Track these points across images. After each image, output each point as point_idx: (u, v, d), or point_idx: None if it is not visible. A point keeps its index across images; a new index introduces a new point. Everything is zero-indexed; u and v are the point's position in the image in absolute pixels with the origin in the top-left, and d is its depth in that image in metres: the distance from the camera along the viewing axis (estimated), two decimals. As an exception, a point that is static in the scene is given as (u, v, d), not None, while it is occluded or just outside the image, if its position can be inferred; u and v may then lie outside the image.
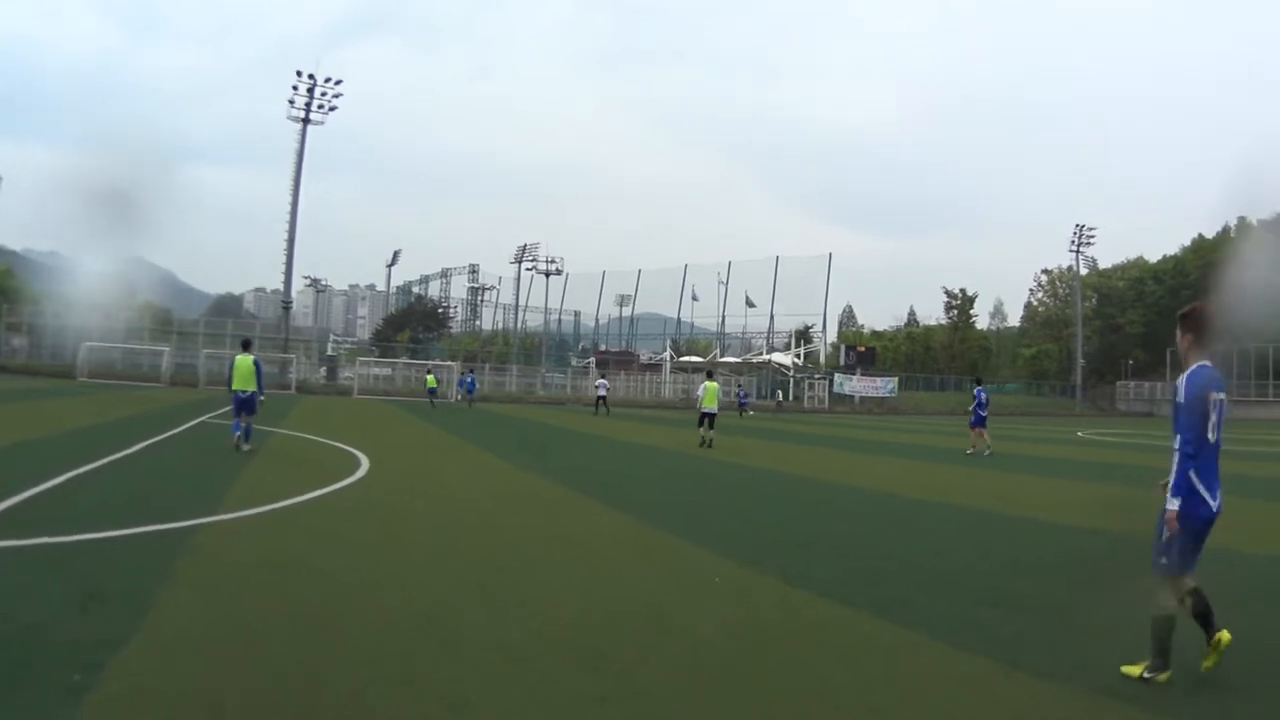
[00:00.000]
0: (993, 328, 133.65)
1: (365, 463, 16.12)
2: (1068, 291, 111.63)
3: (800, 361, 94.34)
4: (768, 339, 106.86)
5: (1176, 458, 4.96)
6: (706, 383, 25.08)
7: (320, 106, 69.75)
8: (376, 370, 72.24)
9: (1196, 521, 4.95)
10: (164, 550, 7.81)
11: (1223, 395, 5.05)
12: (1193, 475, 4.91)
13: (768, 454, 23.17)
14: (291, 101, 69.29)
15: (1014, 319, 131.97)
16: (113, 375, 57.45)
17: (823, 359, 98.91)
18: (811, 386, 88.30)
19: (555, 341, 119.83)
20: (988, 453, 24.12)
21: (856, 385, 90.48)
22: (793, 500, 14.10)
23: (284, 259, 69.31)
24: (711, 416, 24.03)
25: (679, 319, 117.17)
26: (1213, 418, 4.97)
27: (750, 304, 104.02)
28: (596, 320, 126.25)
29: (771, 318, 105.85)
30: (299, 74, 69.11)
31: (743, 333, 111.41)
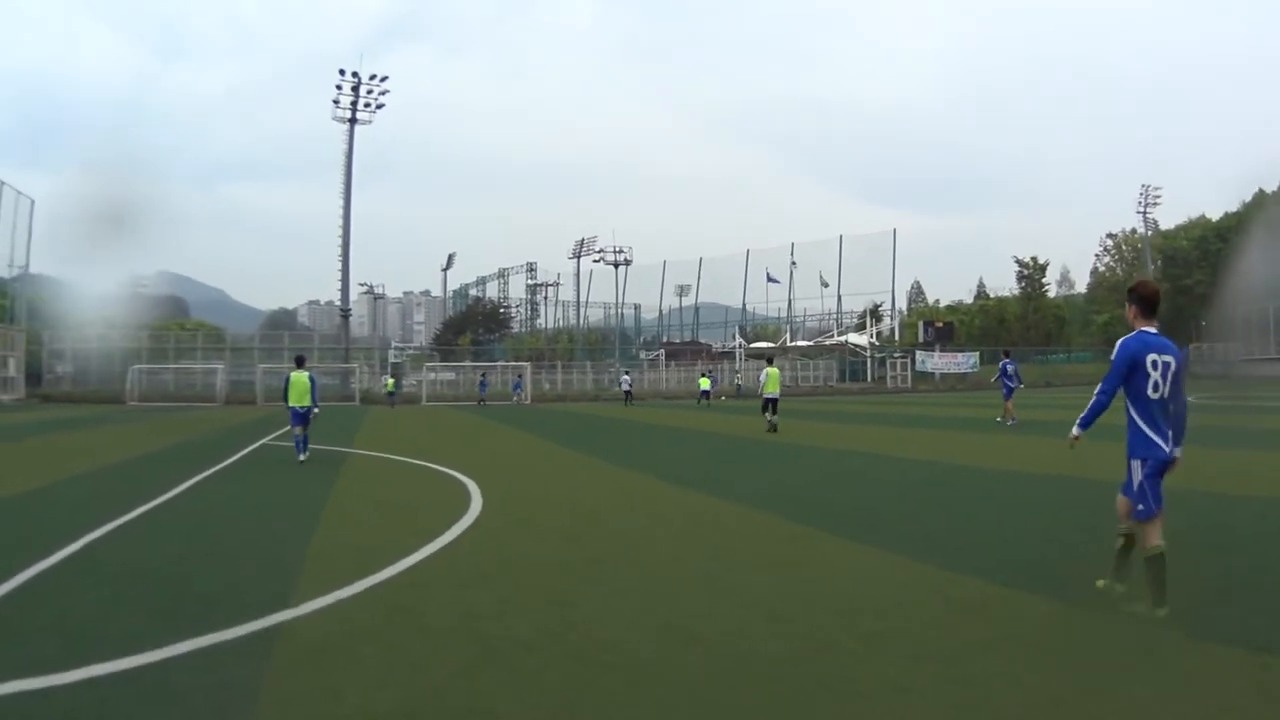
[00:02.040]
0: (1060, 295, 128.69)
1: (470, 488, 12.53)
2: (1133, 255, 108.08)
3: (875, 341, 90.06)
4: (837, 320, 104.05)
5: (1094, 399, 5.85)
6: (768, 369, 25.66)
7: (366, 105, 66.66)
8: (442, 375, 68.80)
9: (1157, 464, 5.69)
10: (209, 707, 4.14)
11: (1168, 358, 5.71)
12: (1141, 424, 5.73)
13: (923, 444, 19.13)
14: (336, 102, 66.30)
15: (1080, 285, 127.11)
16: (165, 397, 55.34)
17: (896, 336, 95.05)
18: (893, 366, 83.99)
19: (618, 335, 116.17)
20: (1010, 422, 24.58)
21: (938, 362, 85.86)
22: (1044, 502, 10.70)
23: (339, 266, 66.39)
24: (774, 401, 24.56)
25: (744, 306, 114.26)
26: (1154, 377, 5.67)
27: (825, 283, 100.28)
28: (661, 312, 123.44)
29: (839, 298, 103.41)
30: (342, 73, 66.09)
31: (804, 315, 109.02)
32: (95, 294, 67.68)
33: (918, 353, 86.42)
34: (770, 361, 26.91)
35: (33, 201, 57.19)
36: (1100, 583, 6.08)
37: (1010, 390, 26.00)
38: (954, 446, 18.57)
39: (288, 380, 17.45)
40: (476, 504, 11.04)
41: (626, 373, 59.37)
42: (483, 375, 58.81)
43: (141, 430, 28.49)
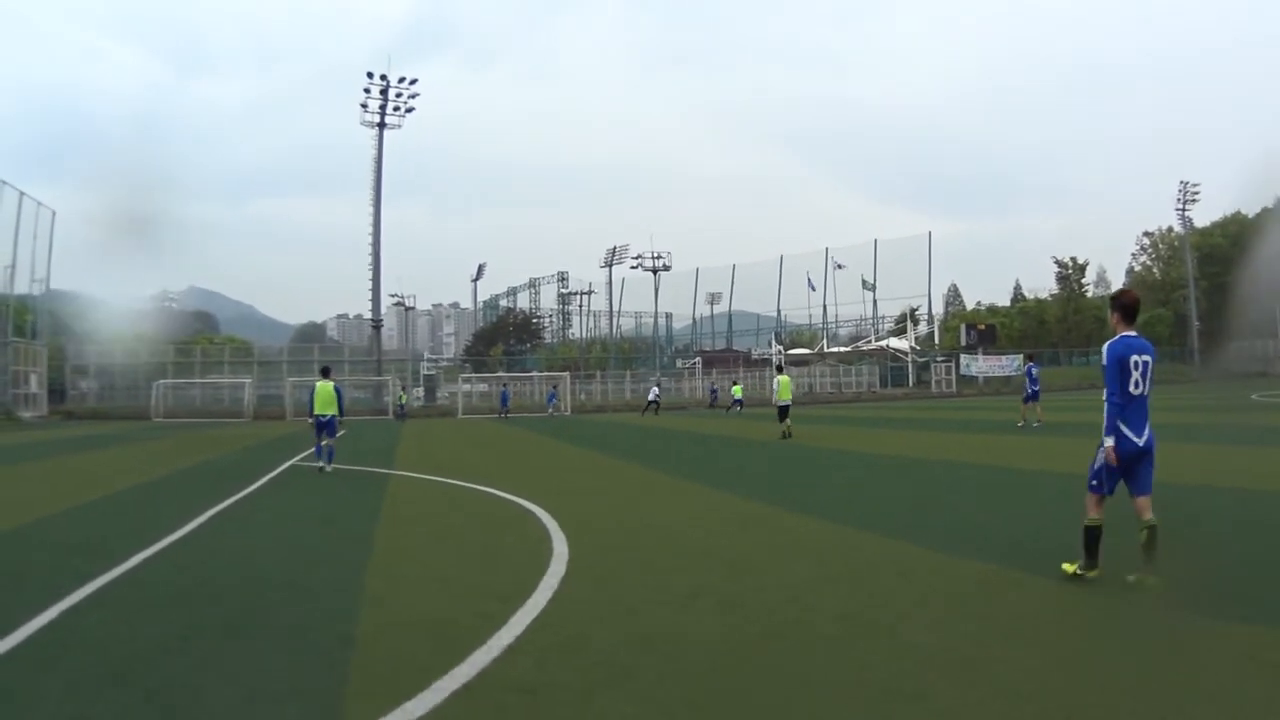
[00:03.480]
0: (1098, 296, 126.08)
1: (543, 519, 10.23)
2: (1169, 253, 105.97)
3: (916, 345, 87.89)
4: (874, 324, 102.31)
5: (1107, 406, 6.44)
6: (780, 377, 26.55)
7: (396, 109, 64.73)
8: (478, 387, 66.52)
9: (1123, 453, 6.35)
10: None
11: (1146, 357, 6.45)
12: (1119, 419, 6.35)
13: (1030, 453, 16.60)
14: (364, 105, 64.41)
15: (1116, 285, 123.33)
16: (191, 413, 53.86)
17: (936, 340, 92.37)
18: (937, 370, 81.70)
19: (652, 344, 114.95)
20: (1036, 424, 25.00)
21: (982, 365, 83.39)
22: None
23: (369, 278, 64.43)
24: (786, 408, 25.26)
25: (779, 312, 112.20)
26: (1134, 375, 6.37)
27: (867, 287, 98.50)
28: (695, 319, 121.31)
29: (874, 302, 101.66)
30: (370, 76, 64.18)
31: (837, 321, 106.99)
32: (121, 309, 66.50)
33: (962, 356, 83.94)
34: (780, 370, 28.13)
35: (54, 213, 55.54)
36: (1130, 578, 6.36)
37: (1035, 394, 26.30)
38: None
39: (313, 390, 18.08)
40: (559, 542, 8.79)
41: (658, 384, 58.24)
42: (503, 386, 56.36)
43: (161, 449, 26.41)
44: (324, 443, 17.55)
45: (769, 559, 7.87)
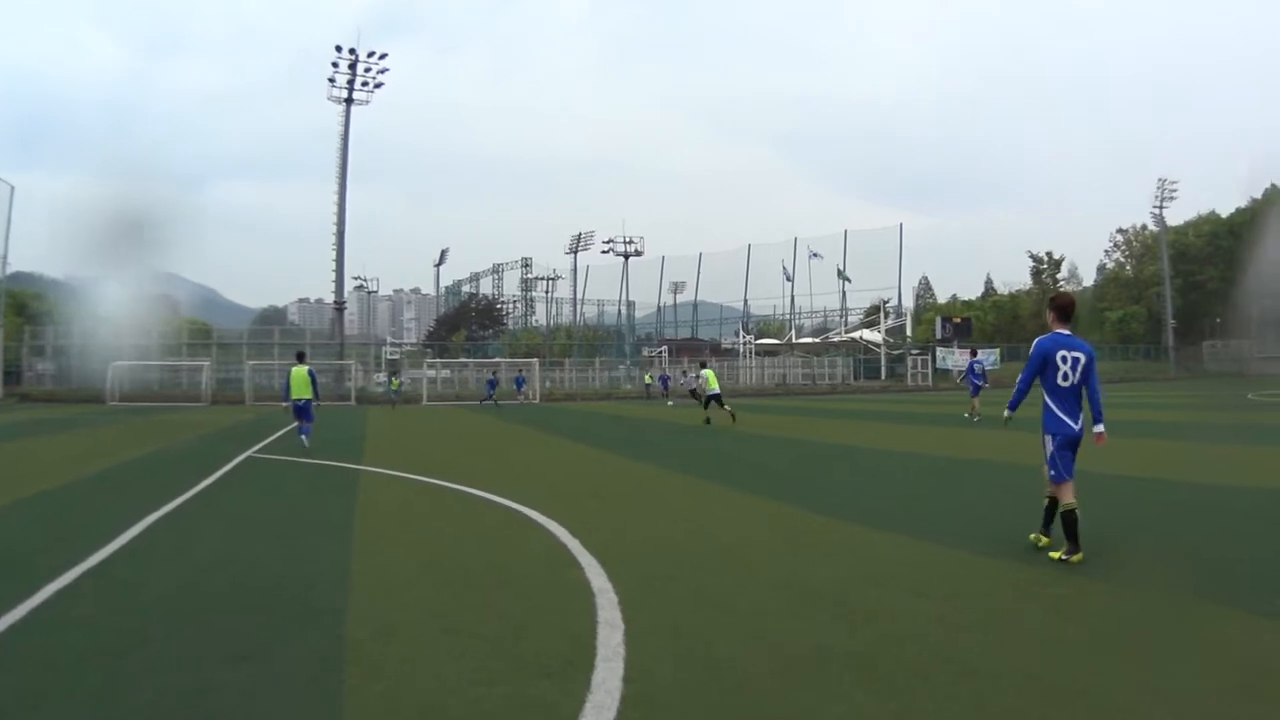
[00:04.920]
0: (1068, 290, 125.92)
1: (557, 533, 8.43)
2: (1143, 250, 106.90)
3: (889, 338, 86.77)
4: (842, 316, 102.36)
5: (1017, 386, 7.44)
6: (705, 370, 28.03)
7: (364, 84, 62.22)
8: (441, 374, 64.10)
9: (1064, 439, 6.97)
10: None
11: (1078, 354, 6.99)
12: (1053, 406, 7.00)
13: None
14: (332, 80, 61.86)
15: (1087, 281, 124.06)
16: (148, 396, 51.45)
17: (909, 332, 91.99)
18: (913, 363, 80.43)
19: (614, 332, 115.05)
20: (976, 419, 25.04)
21: (959, 359, 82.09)
22: None
23: (333, 258, 61.86)
24: (718, 396, 26.66)
25: (745, 301, 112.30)
26: (1063, 369, 6.95)
27: (843, 277, 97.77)
28: (659, 308, 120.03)
29: (843, 294, 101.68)
30: (339, 49, 61.54)
31: (805, 312, 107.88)
32: (80, 290, 64.17)
33: (938, 349, 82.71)
34: (704, 365, 29.54)
35: (12, 188, 52.39)
36: (1031, 537, 7.45)
37: (978, 388, 27.06)
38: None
39: (289, 375, 18.44)
40: (589, 566, 7.03)
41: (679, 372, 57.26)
42: (493, 373, 52.72)
43: (110, 436, 24.20)
44: (299, 422, 18.30)
45: (859, 588, 6.21)
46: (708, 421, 26.24)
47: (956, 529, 8.53)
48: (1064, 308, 7.26)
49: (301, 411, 18.13)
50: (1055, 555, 6.90)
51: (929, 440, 19.38)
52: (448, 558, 7.76)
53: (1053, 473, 7.06)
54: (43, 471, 14.80)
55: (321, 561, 7.53)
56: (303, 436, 17.91)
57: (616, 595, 6.10)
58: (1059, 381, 6.99)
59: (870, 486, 12.57)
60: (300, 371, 18.31)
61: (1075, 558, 6.73)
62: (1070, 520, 6.82)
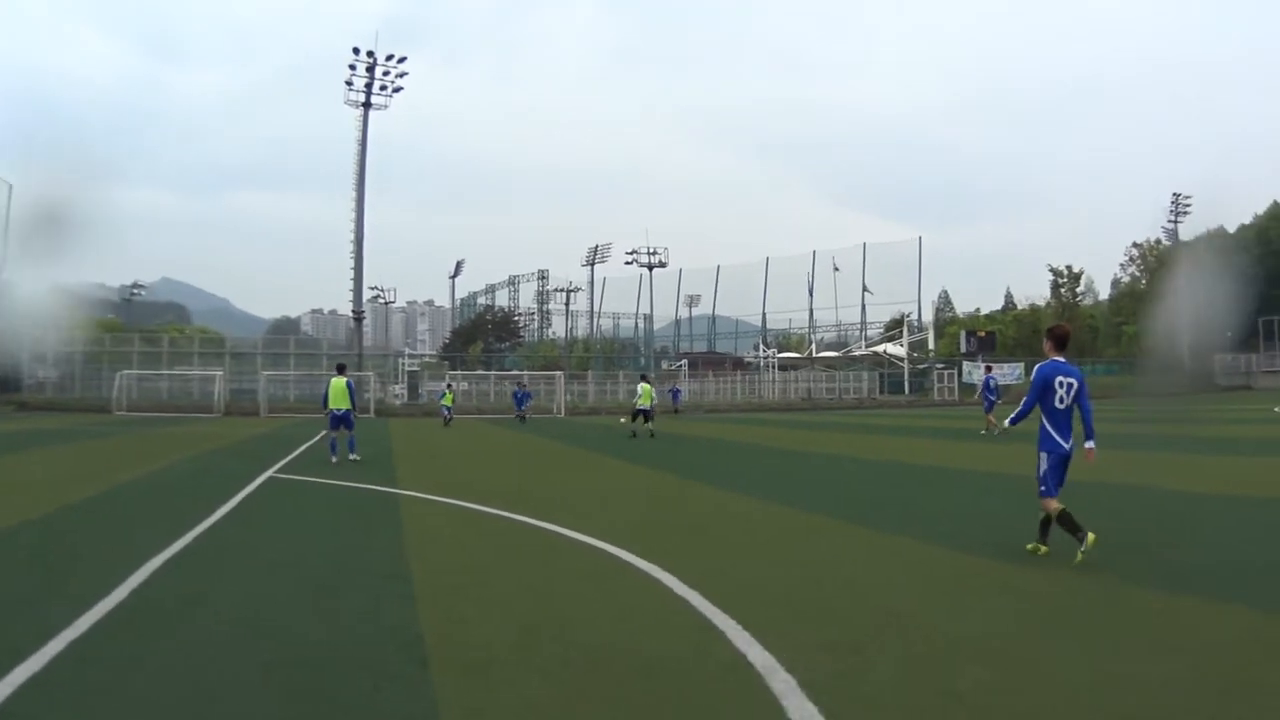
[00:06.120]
0: (1092, 305, 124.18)
1: (691, 598, 6.31)
2: (1157, 264, 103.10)
3: (914, 352, 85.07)
4: (862, 329, 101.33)
5: (1020, 406, 8.03)
6: (643, 385, 28.98)
7: (383, 88, 60.39)
8: (460, 386, 61.87)
9: (1055, 457, 7.62)
10: None
11: (1072, 380, 7.66)
12: (1048, 427, 7.65)
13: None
14: (349, 83, 60.04)
15: (1103, 295, 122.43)
16: (157, 407, 49.63)
17: (931, 346, 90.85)
18: (939, 377, 78.56)
19: (632, 345, 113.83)
20: (996, 433, 24.87)
21: (994, 372, 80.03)
22: None
23: (351, 267, 59.97)
24: (647, 412, 27.96)
25: (763, 315, 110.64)
26: (1059, 393, 7.62)
27: (869, 291, 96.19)
28: (676, 321, 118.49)
29: (863, 308, 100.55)
30: (356, 52, 59.66)
31: (822, 325, 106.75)
32: (86, 297, 62.43)
33: (964, 364, 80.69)
34: (644, 379, 30.69)
35: (10, 186, 50.35)
36: (1029, 546, 7.89)
37: (991, 404, 27.09)
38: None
39: (327, 385, 18.90)
40: (734, 633, 5.36)
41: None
42: (518, 386, 48.28)
43: (110, 451, 22.22)
44: (342, 433, 18.41)
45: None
46: (635, 436, 27.17)
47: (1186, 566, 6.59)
48: (1060, 338, 7.87)
49: (339, 421, 18.39)
50: (1080, 555, 7.26)
51: (1010, 458, 17.23)
52: (545, 621, 5.87)
53: (1042, 489, 7.67)
54: (24, 495, 12.81)
55: (380, 629, 5.64)
56: (351, 454, 18.24)
57: (794, 677, 4.50)
58: (1056, 404, 7.67)
59: (1002, 512, 10.38)
60: (339, 382, 18.64)
61: (1089, 540, 7.20)
62: (1064, 518, 7.41)
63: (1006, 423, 8.51)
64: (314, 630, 5.63)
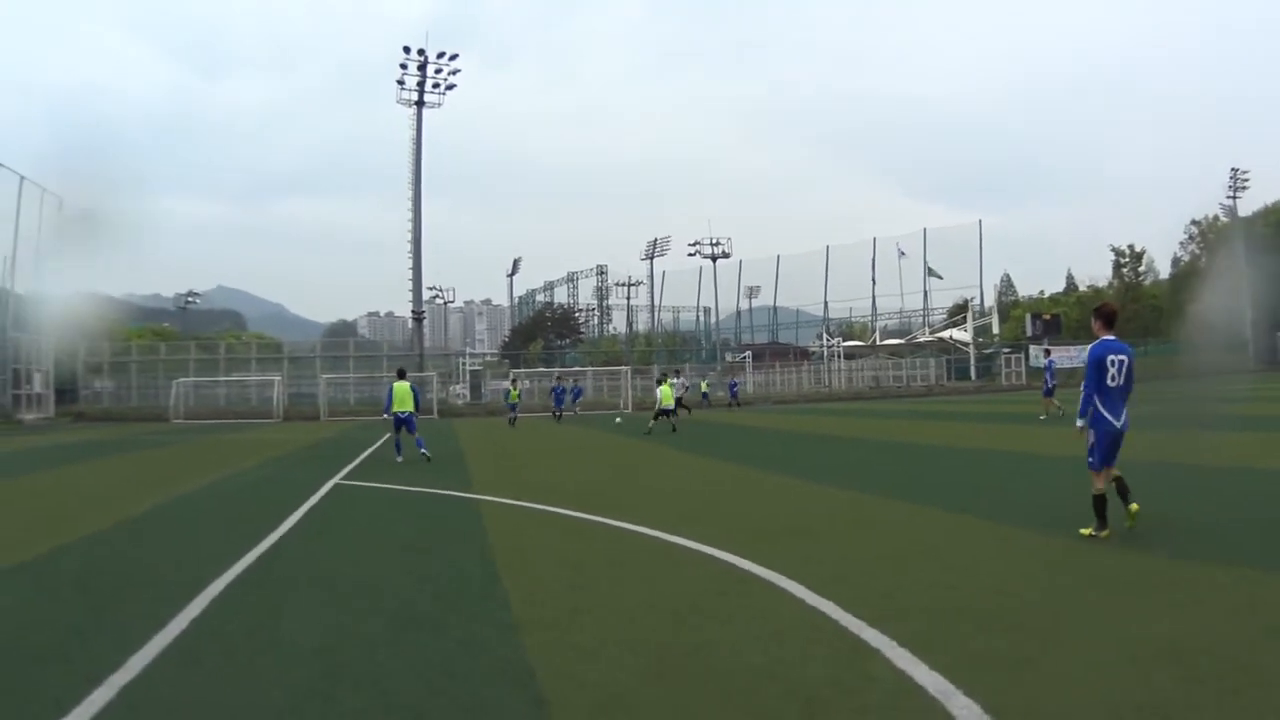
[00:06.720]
0: (1155, 284, 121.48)
1: (835, 615, 5.36)
2: (1216, 240, 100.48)
3: (980, 337, 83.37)
4: (925, 315, 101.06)
5: (1082, 394, 7.80)
6: (662, 386, 29.40)
7: (436, 85, 59.88)
8: (523, 384, 60.95)
9: (1106, 435, 7.65)
10: None
11: (1122, 357, 7.67)
12: (1099, 404, 7.66)
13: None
14: (401, 83, 59.74)
15: (1164, 274, 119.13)
16: (215, 414, 49.89)
17: (995, 330, 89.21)
18: (1007, 361, 77.80)
19: (693, 338, 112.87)
20: (1047, 416, 25.31)
21: (1054, 356, 78.06)
22: None
23: (409, 267, 59.96)
24: (670, 411, 28.18)
25: (825, 304, 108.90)
26: (1111, 371, 7.64)
27: (934, 274, 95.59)
28: (738, 313, 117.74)
29: (925, 294, 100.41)
30: (407, 50, 59.40)
31: (885, 313, 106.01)
32: (141, 307, 62.67)
33: (1030, 347, 78.74)
34: (662, 380, 31.34)
35: (60, 200, 50.23)
36: (1084, 530, 7.81)
37: (1051, 388, 27.05)
38: None
39: (390, 389, 18.98)
40: (893, 653, 4.74)
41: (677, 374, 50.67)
42: (561, 381, 45.23)
43: (168, 460, 21.46)
44: (404, 439, 18.62)
45: None
46: (649, 433, 26.76)
47: None
48: (1108, 315, 7.93)
49: (403, 423, 18.55)
50: (1085, 531, 7.73)
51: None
52: (675, 645, 4.96)
53: (1091, 460, 7.75)
54: (73, 511, 11.94)
55: (484, 664, 4.71)
56: (421, 449, 18.28)
57: (975, 701, 3.93)
58: (1107, 382, 7.69)
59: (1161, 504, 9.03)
60: (403, 386, 18.88)
61: (1104, 534, 7.57)
62: (1099, 503, 7.65)
63: (1078, 423, 8.05)
64: (405, 668, 4.69)
